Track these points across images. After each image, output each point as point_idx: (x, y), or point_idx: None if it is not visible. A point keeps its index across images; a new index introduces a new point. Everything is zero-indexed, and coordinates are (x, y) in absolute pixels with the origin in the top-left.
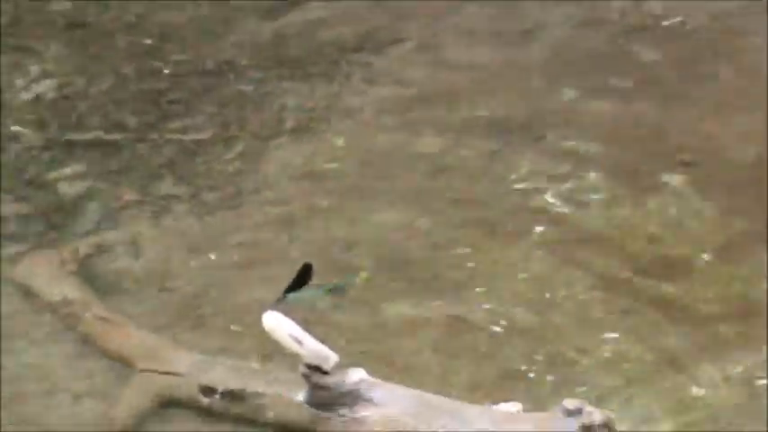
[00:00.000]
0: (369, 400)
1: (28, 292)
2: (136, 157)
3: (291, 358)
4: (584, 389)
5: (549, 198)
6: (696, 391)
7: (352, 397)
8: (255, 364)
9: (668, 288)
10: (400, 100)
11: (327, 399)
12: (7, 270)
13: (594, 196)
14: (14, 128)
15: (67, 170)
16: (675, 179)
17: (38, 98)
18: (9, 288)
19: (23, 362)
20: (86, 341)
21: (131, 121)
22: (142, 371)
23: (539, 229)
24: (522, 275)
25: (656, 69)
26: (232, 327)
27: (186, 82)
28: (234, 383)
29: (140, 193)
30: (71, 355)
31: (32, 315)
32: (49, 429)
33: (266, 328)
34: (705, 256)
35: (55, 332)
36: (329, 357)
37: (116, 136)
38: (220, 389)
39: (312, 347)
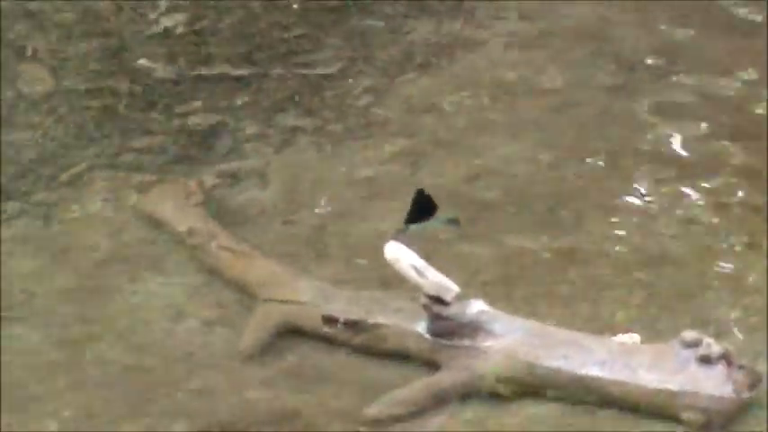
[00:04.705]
0: (489, 332)
1: (155, 223)
2: (262, 91)
3: (413, 289)
4: (703, 321)
5: (672, 137)
6: None
7: (472, 328)
8: (377, 295)
9: None
10: (525, 35)
11: (447, 329)
12: (136, 200)
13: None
14: (141, 61)
15: (197, 103)
16: None
17: (167, 32)
18: (137, 218)
19: (149, 290)
20: (212, 271)
21: (259, 55)
22: (266, 300)
23: (659, 162)
24: (643, 206)
25: None
26: (355, 258)
27: (314, 16)
28: (355, 313)
29: (266, 125)
30: (198, 284)
31: (159, 245)
32: (170, 355)
33: (388, 259)
34: None
35: (182, 262)
36: (450, 288)
37: (243, 71)
38: (342, 318)
39: (433, 278)
